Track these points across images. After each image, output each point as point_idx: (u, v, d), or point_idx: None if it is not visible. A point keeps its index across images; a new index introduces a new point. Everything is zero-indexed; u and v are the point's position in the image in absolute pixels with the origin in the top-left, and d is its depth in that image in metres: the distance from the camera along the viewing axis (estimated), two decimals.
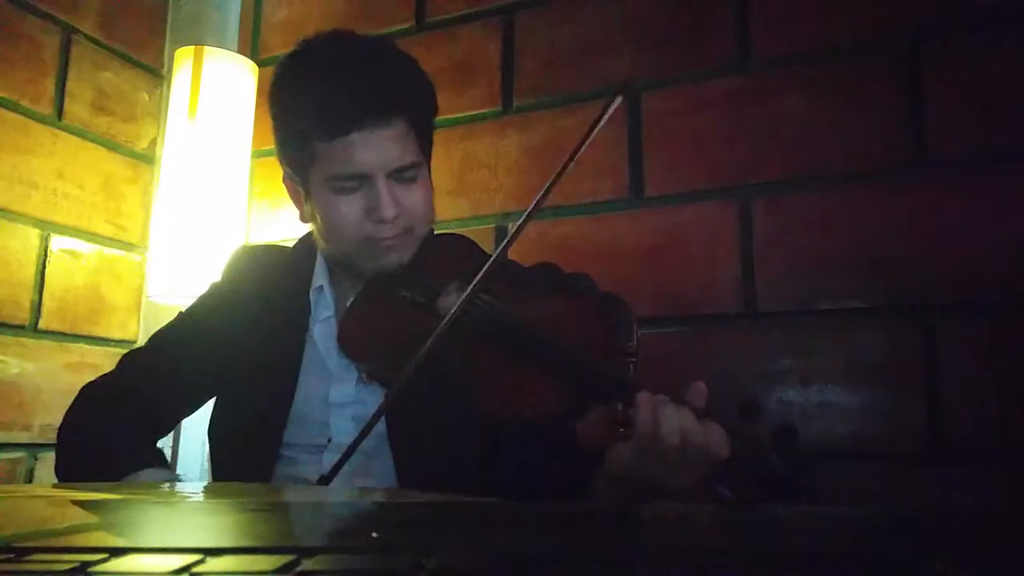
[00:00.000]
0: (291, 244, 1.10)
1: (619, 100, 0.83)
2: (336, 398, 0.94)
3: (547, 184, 0.84)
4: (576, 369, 0.79)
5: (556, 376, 0.80)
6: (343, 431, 0.93)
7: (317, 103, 0.89)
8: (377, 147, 0.88)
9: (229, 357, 0.99)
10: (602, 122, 0.83)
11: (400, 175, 0.91)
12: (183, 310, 1.08)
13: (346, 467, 0.81)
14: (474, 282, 0.81)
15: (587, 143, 0.84)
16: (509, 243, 0.83)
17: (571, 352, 0.80)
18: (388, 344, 0.82)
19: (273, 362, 0.97)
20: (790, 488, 0.72)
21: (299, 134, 0.91)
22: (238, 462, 0.97)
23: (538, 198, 0.84)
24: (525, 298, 0.87)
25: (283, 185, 1.03)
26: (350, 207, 0.90)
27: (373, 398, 0.92)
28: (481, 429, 0.89)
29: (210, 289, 1.09)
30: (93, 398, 0.99)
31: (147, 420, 0.98)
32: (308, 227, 1.04)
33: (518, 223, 0.84)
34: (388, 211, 0.89)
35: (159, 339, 1.05)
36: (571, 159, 0.84)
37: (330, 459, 0.89)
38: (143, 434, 0.96)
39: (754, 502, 0.73)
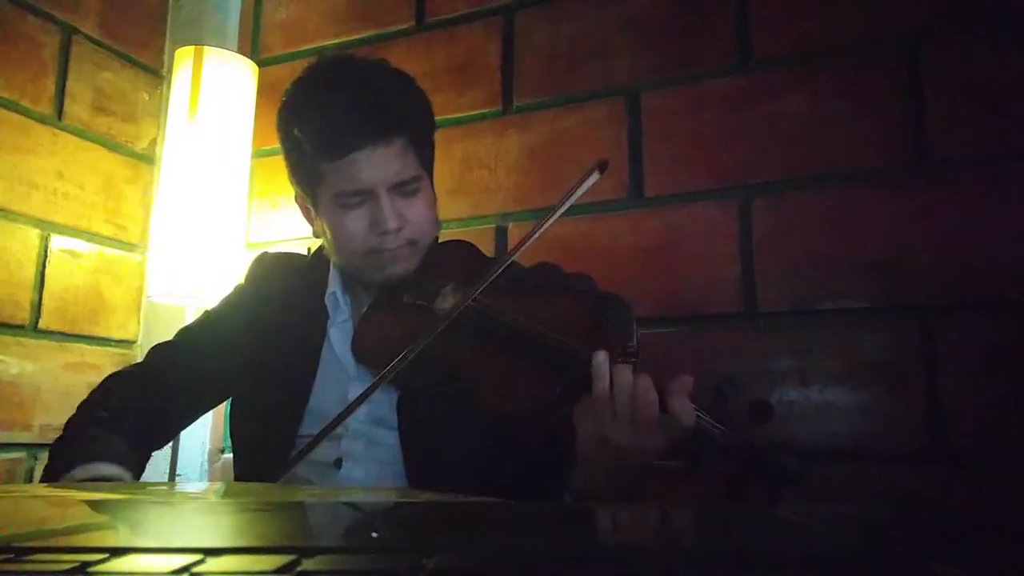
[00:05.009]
0: (294, 244, 1.13)
1: (596, 176, 0.86)
2: (354, 396, 0.97)
3: (526, 238, 0.87)
4: (555, 355, 0.82)
5: (540, 365, 0.84)
6: (358, 420, 0.98)
7: (319, 127, 0.94)
8: (378, 164, 0.93)
9: (251, 355, 1.05)
10: (577, 193, 0.86)
11: (402, 189, 0.96)
12: (209, 309, 1.15)
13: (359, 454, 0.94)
14: (472, 294, 0.85)
15: (561, 211, 0.87)
16: (499, 273, 0.87)
17: (547, 337, 0.83)
18: (395, 349, 0.85)
19: (292, 360, 1.02)
20: (767, 466, 0.73)
21: (305, 157, 0.96)
22: (256, 450, 1.03)
23: (522, 244, 0.87)
24: (515, 296, 0.91)
25: (295, 201, 1.08)
26: (356, 222, 0.96)
27: (386, 395, 0.97)
28: (487, 427, 0.91)
29: (234, 291, 1.16)
30: (108, 387, 1.04)
31: (159, 415, 1.03)
32: (313, 234, 1.08)
33: (498, 267, 0.87)
34: (392, 223, 0.94)
35: (186, 334, 1.12)
36: (541, 226, 0.87)
37: (347, 444, 0.97)
38: (139, 434, 0.98)
39: (737, 488, 0.75)
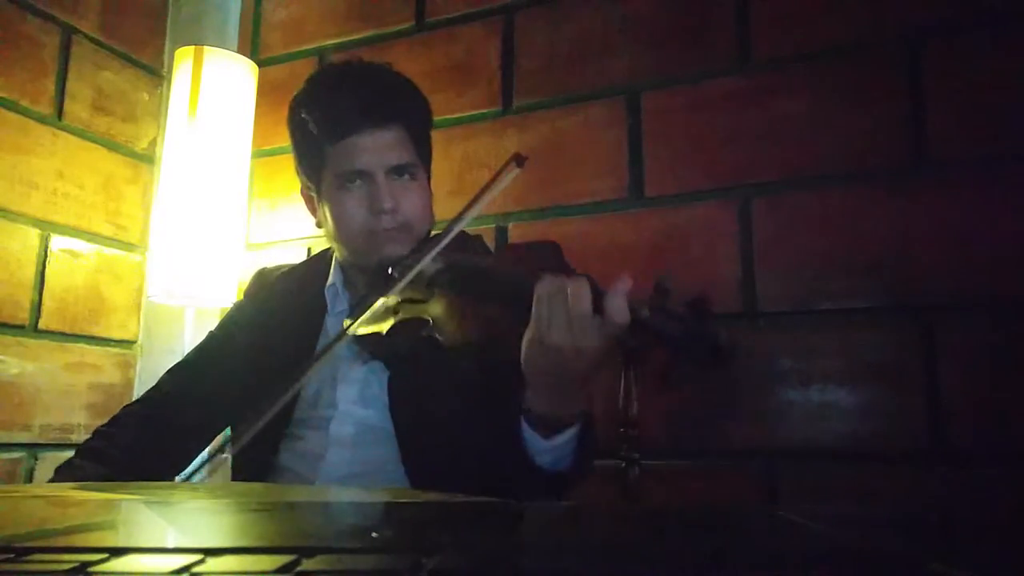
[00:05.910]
0: (293, 244, 1.15)
1: (515, 170, 0.90)
2: (344, 376, 1.05)
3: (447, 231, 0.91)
4: (510, 288, 0.86)
5: (500, 300, 0.89)
6: (349, 400, 1.03)
7: (325, 112, 1.03)
8: (376, 147, 1.01)
9: (252, 359, 1.10)
10: (497, 187, 0.90)
11: (398, 172, 1.03)
12: (212, 331, 1.21)
13: (351, 440, 0.99)
14: (427, 249, 0.91)
15: (480, 205, 0.91)
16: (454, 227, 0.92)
17: (502, 272, 0.89)
18: (383, 321, 0.92)
19: (289, 351, 1.06)
20: (698, 342, 0.77)
21: (311, 140, 1.04)
22: (252, 443, 1.05)
23: (440, 243, 0.91)
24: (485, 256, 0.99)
25: (300, 194, 1.13)
26: (355, 203, 1.02)
27: (376, 377, 1.02)
28: (471, 390, 0.96)
29: (233, 309, 1.23)
30: (126, 423, 1.12)
31: (165, 439, 1.10)
32: (316, 236, 1.09)
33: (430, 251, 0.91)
34: (387, 202, 1.01)
35: (196, 357, 1.18)
36: (465, 211, 0.91)
37: (337, 429, 1.01)
38: (129, 462, 1.06)
39: (671, 369, 0.78)
